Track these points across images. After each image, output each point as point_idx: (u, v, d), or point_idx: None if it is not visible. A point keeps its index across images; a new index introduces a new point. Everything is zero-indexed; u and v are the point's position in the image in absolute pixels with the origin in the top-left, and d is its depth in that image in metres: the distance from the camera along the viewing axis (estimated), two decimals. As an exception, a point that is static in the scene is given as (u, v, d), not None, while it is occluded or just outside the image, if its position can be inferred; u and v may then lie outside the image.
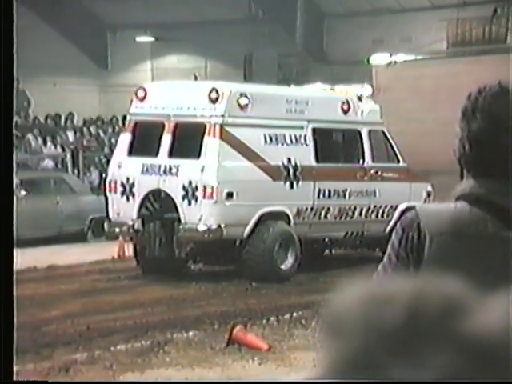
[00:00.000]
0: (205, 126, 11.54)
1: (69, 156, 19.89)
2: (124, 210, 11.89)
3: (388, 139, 13.32)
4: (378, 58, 19.65)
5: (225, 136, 11.55)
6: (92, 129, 22.81)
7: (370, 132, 13.06)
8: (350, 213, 12.66)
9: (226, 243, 11.57)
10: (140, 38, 26.55)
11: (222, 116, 11.56)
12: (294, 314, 9.50)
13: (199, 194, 11.42)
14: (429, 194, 13.87)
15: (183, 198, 11.50)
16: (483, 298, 0.72)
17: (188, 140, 11.67)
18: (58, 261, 12.83)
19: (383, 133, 13.28)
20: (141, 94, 12.15)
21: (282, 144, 12.04)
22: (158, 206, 11.78)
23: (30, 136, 20.95)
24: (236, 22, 24.62)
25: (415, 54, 20.20)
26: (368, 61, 19.66)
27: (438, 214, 1.82)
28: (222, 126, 11.55)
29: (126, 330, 8.94)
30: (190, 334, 8.87)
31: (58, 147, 20.82)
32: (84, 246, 15.24)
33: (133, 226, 11.74)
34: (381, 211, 13.02)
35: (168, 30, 25.61)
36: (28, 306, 10.01)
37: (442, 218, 1.80)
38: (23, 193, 15.82)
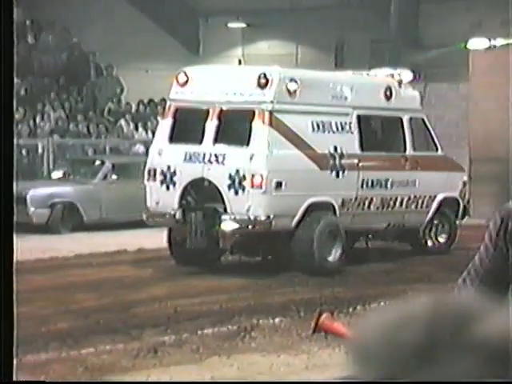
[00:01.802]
0: (253, 112, 11.02)
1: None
2: (163, 200, 11.34)
3: (427, 127, 12.84)
4: (476, 43, 19.15)
5: (274, 123, 11.04)
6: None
7: (410, 119, 12.60)
8: (392, 203, 12.18)
9: (272, 234, 11.10)
10: (232, 24, 26.63)
11: (272, 102, 11.05)
12: (382, 303, 9.36)
13: (247, 183, 10.90)
14: (464, 184, 13.58)
15: (229, 187, 10.96)
16: None
17: (235, 127, 11.24)
18: (147, 244, 13.00)
19: (423, 120, 12.81)
20: (182, 78, 11.59)
21: (329, 132, 11.52)
22: (201, 195, 11.25)
23: (122, 122, 21.30)
24: (328, 7, 24.41)
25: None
26: (465, 46, 19.19)
27: None
28: (271, 113, 11.04)
29: (212, 315, 8.99)
30: (276, 320, 8.85)
31: (149, 133, 21.10)
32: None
33: (174, 215, 11.21)
34: (420, 201, 12.57)
35: (260, 16, 25.59)
36: (117, 288, 10.18)
37: None
38: (114, 177, 16.09)
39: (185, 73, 11.67)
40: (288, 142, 11.08)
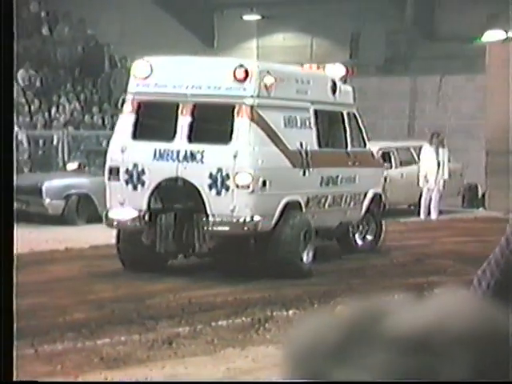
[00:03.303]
0: (233, 107, 10.24)
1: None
2: (130, 200, 10.39)
3: (358, 122, 12.41)
4: (492, 35, 19.04)
5: (256, 118, 10.32)
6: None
7: (348, 114, 12.19)
8: (339, 201, 11.74)
9: (251, 236, 10.41)
10: (247, 17, 26.60)
11: (252, 96, 10.32)
12: (396, 296, 9.34)
13: (231, 182, 10.12)
14: (385, 179, 13.39)
15: (210, 187, 10.16)
16: None
17: (212, 123, 10.55)
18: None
19: (354, 115, 12.33)
20: (143, 69, 10.61)
21: (295, 127, 10.94)
22: (173, 195, 10.38)
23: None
24: (343, -1, 24.34)
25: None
26: (481, 38, 19.09)
27: None
28: (252, 108, 10.31)
29: (227, 306, 9.01)
30: (290, 312, 8.87)
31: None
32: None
33: (143, 217, 10.31)
34: (357, 198, 12.16)
35: (275, 8, 25.55)
36: (133, 279, 10.22)
37: None
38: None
39: (147, 63, 10.68)
40: (268, 138, 10.48)
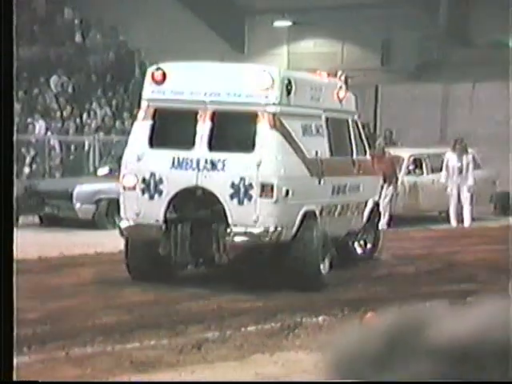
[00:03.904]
0: (255, 114, 9.98)
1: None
2: (146, 210, 10.04)
3: (359, 130, 12.19)
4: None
5: (278, 126, 10.08)
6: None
7: (352, 122, 11.99)
8: (346, 209, 11.47)
9: (272, 246, 10.09)
10: (278, 23, 26.62)
11: (275, 104, 10.05)
12: (427, 304, 9.27)
13: (255, 192, 9.84)
14: (381, 188, 13.19)
15: (232, 196, 9.85)
16: None
17: (233, 131, 10.27)
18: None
19: (356, 123, 12.12)
20: (159, 75, 10.27)
21: (310, 135, 10.67)
22: (192, 205, 10.05)
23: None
24: (374, 4, 24.26)
25: None
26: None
27: None
28: (274, 115, 10.05)
29: (256, 312, 8.99)
30: (320, 318, 8.82)
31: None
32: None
33: (160, 227, 9.98)
34: (360, 207, 11.93)
35: (306, 15, 25.53)
36: (162, 284, 10.22)
37: None
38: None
39: (161, 69, 10.36)
40: (289, 146, 10.23)
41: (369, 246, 12.45)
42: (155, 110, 10.25)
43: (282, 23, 26.61)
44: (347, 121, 11.88)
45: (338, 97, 11.59)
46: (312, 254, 10.18)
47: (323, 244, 10.42)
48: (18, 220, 14.34)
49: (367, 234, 12.33)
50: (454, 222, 17.27)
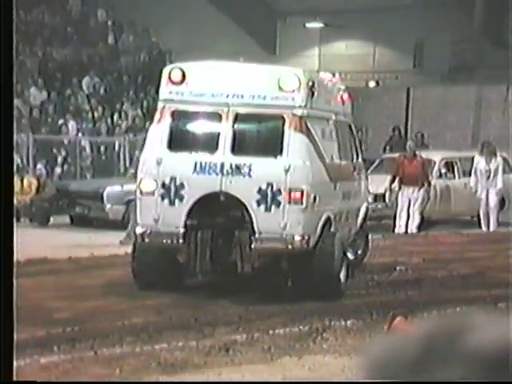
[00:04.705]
0: (282, 117, 9.60)
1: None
2: (165, 217, 9.54)
3: (353, 133, 11.83)
4: None
5: (305, 130, 9.68)
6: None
7: (352, 125, 11.70)
8: (349, 215, 11.15)
9: (294, 254, 9.69)
10: (310, 24, 26.57)
11: (301, 107, 9.65)
12: (458, 309, 9.19)
13: (283, 198, 9.49)
14: (369, 192, 12.90)
15: (258, 202, 9.46)
16: None
17: (258, 134, 10.01)
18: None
19: (350, 127, 11.75)
20: (177, 76, 9.76)
21: (326, 139, 10.35)
22: (213, 212, 9.59)
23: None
24: (407, 7, 24.12)
25: None
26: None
27: None
28: (301, 118, 9.67)
29: (284, 315, 8.96)
30: (349, 322, 8.78)
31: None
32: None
33: (183, 234, 9.49)
34: (357, 212, 11.62)
35: (338, 16, 25.46)
36: (190, 286, 10.24)
37: None
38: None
39: (180, 69, 9.89)
40: (314, 151, 9.88)
41: (359, 251, 12.04)
42: (173, 112, 9.77)
43: (314, 25, 26.55)
44: (349, 124, 11.70)
45: (342, 99, 11.34)
46: (333, 262, 9.83)
47: (342, 252, 10.11)
48: (48, 220, 14.45)
49: (359, 239, 11.97)
50: (484, 227, 17.10)
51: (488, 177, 16.75)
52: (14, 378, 6.71)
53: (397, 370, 0.80)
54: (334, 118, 10.80)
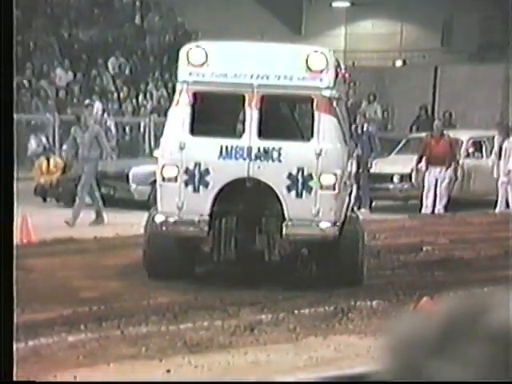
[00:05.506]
0: (311, 99, 9.17)
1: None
2: (190, 204, 9.10)
3: (348, 113, 11.35)
4: None
5: (334, 112, 9.31)
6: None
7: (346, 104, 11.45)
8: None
9: (325, 242, 9.31)
10: (336, 3, 26.36)
11: (329, 88, 9.22)
12: (485, 289, 9.11)
13: (314, 183, 9.09)
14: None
15: (289, 188, 9.07)
16: None
17: (286, 117, 9.68)
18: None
19: (346, 105, 11.40)
20: (197, 55, 9.22)
21: (344, 121, 10.04)
22: (241, 198, 9.19)
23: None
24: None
25: None
26: None
27: None
28: (330, 100, 9.27)
29: (309, 295, 8.94)
30: (374, 302, 8.74)
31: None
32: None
33: (209, 223, 9.09)
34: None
35: (364, -5, 25.24)
36: (215, 266, 10.24)
37: None
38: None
39: (201, 48, 9.30)
40: (342, 135, 9.52)
41: None
42: (194, 94, 9.22)
43: (340, 4, 26.34)
44: (345, 103, 11.39)
45: (344, 77, 10.81)
46: (359, 249, 9.54)
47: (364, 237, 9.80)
48: (74, 200, 14.52)
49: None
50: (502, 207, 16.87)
51: (499, 156, 16.53)
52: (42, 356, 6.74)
53: (420, 349, 0.79)
54: (343, 98, 10.60)
